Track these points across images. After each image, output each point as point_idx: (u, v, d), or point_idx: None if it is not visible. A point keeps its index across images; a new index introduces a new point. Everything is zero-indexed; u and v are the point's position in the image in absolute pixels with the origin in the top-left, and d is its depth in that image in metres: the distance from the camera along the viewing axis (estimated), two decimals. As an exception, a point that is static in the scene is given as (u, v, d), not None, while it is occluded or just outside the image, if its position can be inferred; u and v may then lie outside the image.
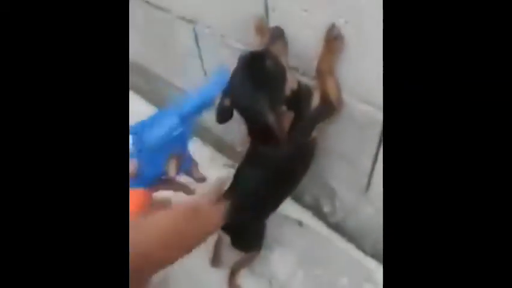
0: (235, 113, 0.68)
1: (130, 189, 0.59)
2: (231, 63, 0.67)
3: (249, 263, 0.97)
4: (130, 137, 0.62)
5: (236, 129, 0.71)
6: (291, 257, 1.01)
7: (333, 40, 0.66)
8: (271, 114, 0.62)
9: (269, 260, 1.01)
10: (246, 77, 0.64)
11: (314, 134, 0.75)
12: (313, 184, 0.97)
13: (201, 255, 1.02)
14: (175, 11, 1.00)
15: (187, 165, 0.69)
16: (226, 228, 0.85)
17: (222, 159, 1.27)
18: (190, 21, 0.97)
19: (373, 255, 0.98)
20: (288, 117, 0.67)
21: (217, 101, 0.68)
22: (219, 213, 0.67)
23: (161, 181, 0.69)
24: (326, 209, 1.02)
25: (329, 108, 0.72)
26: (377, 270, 0.96)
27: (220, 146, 1.27)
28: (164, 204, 0.70)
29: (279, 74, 0.66)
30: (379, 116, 0.70)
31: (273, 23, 0.75)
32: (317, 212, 1.07)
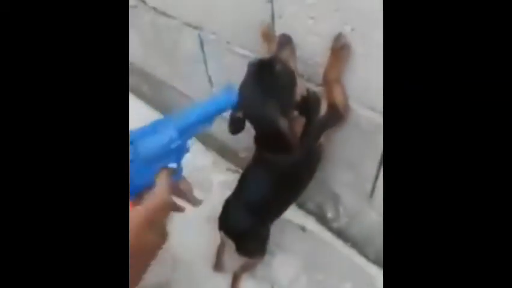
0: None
1: None
2: (236, 70, 0.67)
3: (252, 268, 0.97)
4: None
5: (239, 135, 0.71)
6: (293, 262, 1.02)
7: (339, 49, 0.67)
8: (283, 120, 0.63)
9: (272, 265, 1.01)
10: (256, 83, 0.65)
11: (321, 140, 0.75)
12: (317, 190, 0.98)
13: (203, 260, 1.03)
14: (181, 17, 1.01)
15: (177, 178, 0.66)
16: (230, 233, 0.86)
17: (225, 164, 1.27)
18: (196, 28, 0.98)
19: (376, 262, 0.98)
20: (299, 122, 0.67)
21: (228, 114, 0.67)
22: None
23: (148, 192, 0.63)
24: (330, 214, 1.02)
25: (337, 115, 0.73)
26: (379, 276, 0.96)
27: (223, 151, 1.27)
28: None
29: (289, 79, 0.66)
30: (384, 122, 0.70)
31: (279, 30, 0.75)
32: (320, 217, 1.07)
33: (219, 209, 0.88)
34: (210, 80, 1.07)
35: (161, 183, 0.58)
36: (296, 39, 0.70)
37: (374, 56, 0.64)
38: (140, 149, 0.58)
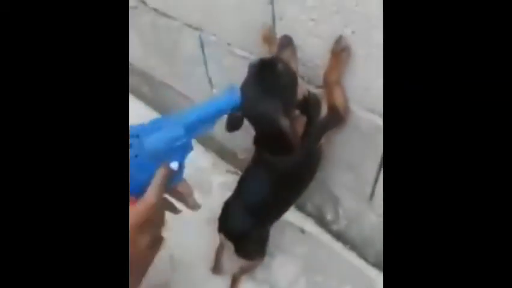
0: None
1: None
2: (236, 71, 0.67)
3: (251, 270, 0.97)
4: (130, 138, 0.58)
5: (239, 136, 0.71)
6: (293, 264, 1.02)
7: (340, 52, 0.67)
8: (285, 119, 0.63)
9: (271, 267, 1.01)
10: (257, 82, 0.65)
11: (321, 141, 0.75)
12: (317, 192, 0.98)
13: (202, 261, 1.03)
14: (182, 18, 1.01)
15: (179, 178, 0.66)
16: (230, 235, 0.85)
17: (224, 166, 1.27)
18: (196, 29, 0.98)
19: (375, 264, 0.98)
20: (301, 121, 0.67)
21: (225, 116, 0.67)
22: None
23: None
24: (329, 216, 1.02)
25: (337, 117, 0.73)
26: (379, 279, 0.96)
27: (223, 153, 1.27)
28: None
29: (290, 78, 0.66)
30: (384, 124, 0.71)
31: (279, 31, 0.75)
32: (320, 219, 1.07)
33: (218, 211, 0.87)
34: (210, 82, 1.07)
35: (155, 183, 0.57)
36: (297, 41, 0.70)
37: (374, 59, 0.65)
38: (146, 144, 0.57)
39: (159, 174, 0.58)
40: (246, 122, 0.69)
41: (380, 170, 0.79)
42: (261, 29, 0.78)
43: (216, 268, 1.01)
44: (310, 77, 0.76)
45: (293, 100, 0.67)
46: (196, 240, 1.05)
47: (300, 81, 0.69)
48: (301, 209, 1.10)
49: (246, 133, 0.71)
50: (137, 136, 0.58)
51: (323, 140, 0.75)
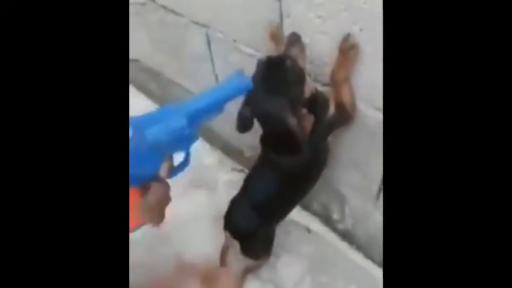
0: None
1: None
2: (242, 68, 0.66)
3: (256, 270, 0.97)
4: (131, 130, 0.57)
5: (245, 134, 0.71)
6: (298, 264, 1.01)
7: (348, 50, 0.66)
8: (292, 117, 0.63)
9: (276, 266, 1.01)
10: (265, 80, 0.64)
11: (328, 140, 0.75)
12: (323, 190, 0.97)
13: (207, 259, 1.02)
14: (189, 15, 1.01)
15: (185, 168, 0.63)
16: (235, 234, 0.85)
17: (230, 163, 1.27)
18: (203, 26, 0.98)
19: (381, 264, 0.97)
20: (308, 120, 0.67)
21: (237, 109, 0.66)
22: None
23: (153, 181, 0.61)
24: (335, 216, 1.02)
25: (344, 115, 0.72)
26: (385, 279, 0.95)
27: (229, 150, 1.27)
28: None
29: (298, 76, 0.66)
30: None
31: (287, 29, 0.75)
32: (326, 218, 1.06)
33: (223, 209, 0.87)
34: (216, 78, 1.07)
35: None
36: (304, 38, 0.70)
37: (382, 56, 0.64)
38: (147, 136, 0.56)
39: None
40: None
41: (387, 169, 0.78)
42: (268, 27, 0.77)
43: (222, 266, 1.01)
44: (317, 74, 0.76)
45: (301, 98, 0.66)
46: (201, 237, 1.05)
47: (307, 78, 0.68)
48: (307, 208, 1.09)
49: (253, 131, 0.71)
50: (139, 127, 0.56)
51: (329, 139, 0.74)
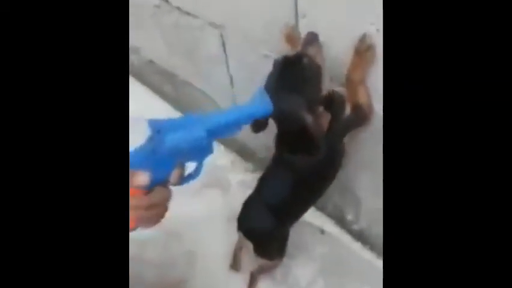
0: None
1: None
2: (257, 70, 0.66)
3: (270, 270, 0.97)
4: (150, 131, 0.58)
5: (259, 135, 0.71)
6: (312, 265, 1.01)
7: (364, 51, 0.66)
8: (309, 115, 0.63)
9: (290, 267, 1.01)
10: (282, 78, 0.65)
11: (344, 140, 0.74)
12: (337, 192, 0.97)
13: (220, 259, 1.03)
14: (204, 16, 1.01)
15: (195, 177, 0.64)
16: (249, 234, 0.85)
17: (243, 164, 1.27)
18: (218, 27, 0.98)
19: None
20: (325, 118, 0.67)
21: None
22: None
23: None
24: (349, 217, 1.01)
25: (361, 116, 0.72)
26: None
27: (242, 151, 1.27)
28: None
29: (315, 73, 0.66)
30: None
31: (302, 29, 0.75)
32: (340, 220, 1.06)
33: (237, 209, 0.87)
34: (231, 80, 1.08)
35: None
36: (319, 38, 0.69)
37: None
38: (166, 141, 0.57)
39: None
40: (267, 120, 0.69)
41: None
42: (283, 28, 0.77)
43: (234, 266, 1.01)
44: (333, 75, 0.75)
45: (317, 96, 0.66)
46: (214, 237, 1.06)
47: (324, 77, 0.68)
48: (321, 209, 1.09)
49: (267, 131, 0.71)
50: (159, 131, 0.58)
51: (345, 139, 0.74)
